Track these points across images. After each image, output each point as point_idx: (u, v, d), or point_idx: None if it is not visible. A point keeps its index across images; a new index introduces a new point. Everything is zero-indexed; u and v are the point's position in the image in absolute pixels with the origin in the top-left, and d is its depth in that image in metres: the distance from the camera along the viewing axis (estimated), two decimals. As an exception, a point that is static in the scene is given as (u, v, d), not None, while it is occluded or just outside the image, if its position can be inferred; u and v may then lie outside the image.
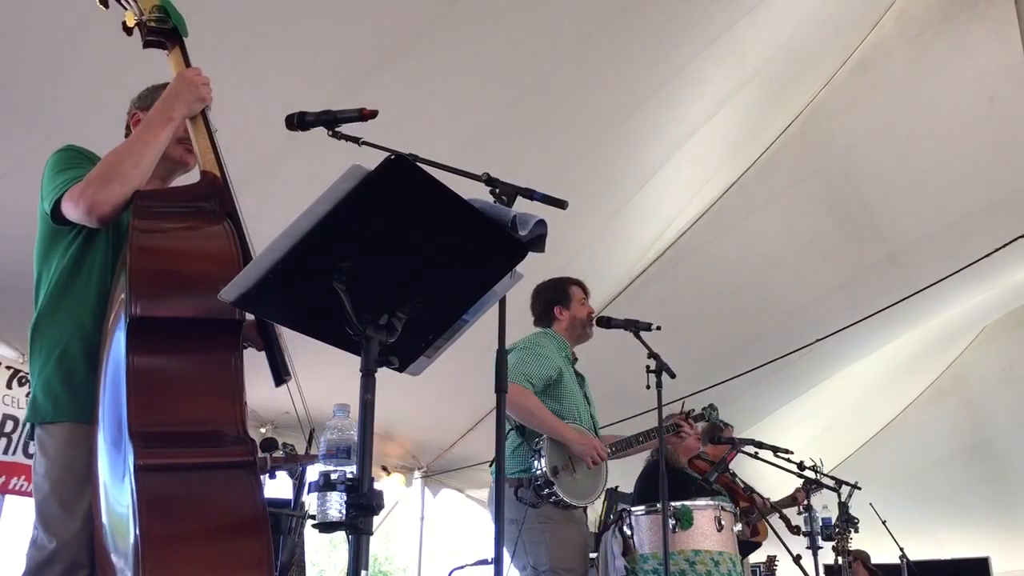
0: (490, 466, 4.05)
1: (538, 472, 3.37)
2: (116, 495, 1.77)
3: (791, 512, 5.30)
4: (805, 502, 5.03)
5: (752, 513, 5.06)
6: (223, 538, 1.70)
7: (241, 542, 1.72)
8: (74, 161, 2.08)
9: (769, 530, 5.27)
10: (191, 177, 2.17)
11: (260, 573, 1.68)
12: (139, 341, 1.78)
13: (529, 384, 3.45)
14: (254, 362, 2.10)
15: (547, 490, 3.37)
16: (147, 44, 2.24)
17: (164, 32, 2.22)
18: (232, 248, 1.92)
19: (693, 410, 4.18)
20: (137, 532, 1.61)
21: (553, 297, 3.85)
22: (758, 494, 5.11)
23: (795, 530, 4.71)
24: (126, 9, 2.22)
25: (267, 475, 4.01)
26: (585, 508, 3.62)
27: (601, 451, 3.49)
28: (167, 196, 2.13)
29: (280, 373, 2.09)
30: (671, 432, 3.95)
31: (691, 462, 4.87)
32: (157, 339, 1.79)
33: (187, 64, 2.21)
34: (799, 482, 5.09)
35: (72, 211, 1.98)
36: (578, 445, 3.45)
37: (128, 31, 2.24)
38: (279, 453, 4.12)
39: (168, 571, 1.61)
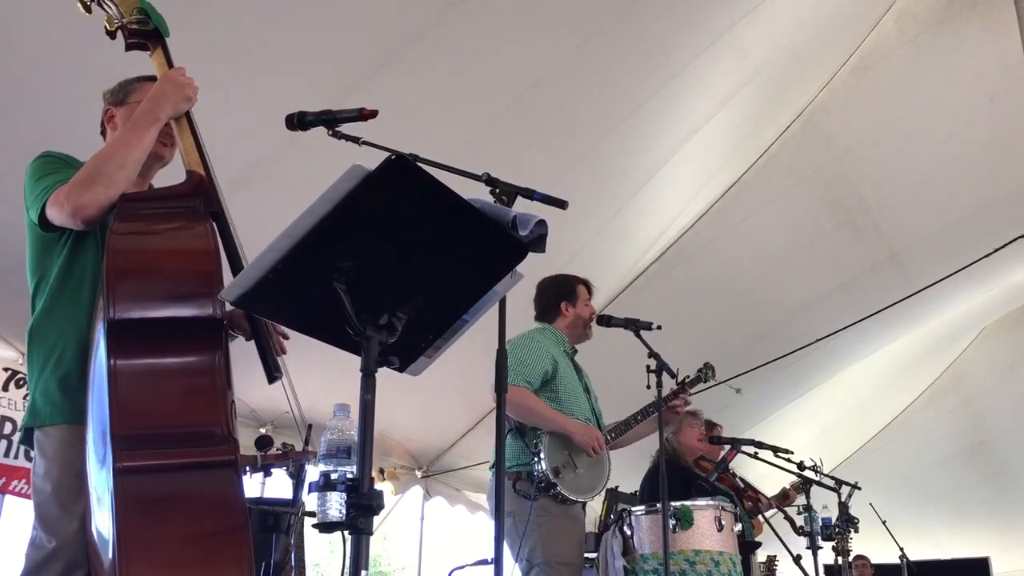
0: (491, 468, 4.05)
1: (540, 473, 3.38)
2: (101, 495, 1.78)
3: (791, 511, 5.30)
4: (797, 498, 5.03)
5: (756, 513, 5.06)
6: (201, 538, 1.70)
7: (220, 542, 1.72)
8: (53, 167, 2.08)
9: (766, 527, 5.27)
10: (177, 176, 2.17)
11: (239, 572, 1.68)
12: (118, 343, 1.78)
13: (527, 383, 3.46)
14: (255, 363, 2.10)
15: (551, 491, 3.38)
16: (129, 46, 2.25)
17: (145, 33, 2.22)
18: (211, 247, 1.91)
19: (688, 376, 4.13)
20: (116, 533, 1.62)
21: (562, 293, 3.84)
22: (762, 494, 5.10)
23: (800, 531, 4.70)
24: (108, 13, 2.22)
25: (262, 473, 4.01)
26: (584, 505, 3.62)
27: (601, 440, 3.52)
28: (150, 197, 2.13)
29: (271, 370, 2.09)
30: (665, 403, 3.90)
31: (696, 463, 4.87)
32: (136, 341, 1.79)
33: (170, 64, 2.21)
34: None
35: (57, 215, 1.98)
36: (579, 436, 3.47)
37: (111, 34, 2.24)
38: (274, 450, 4.11)
39: (145, 572, 1.61)
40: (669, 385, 3.66)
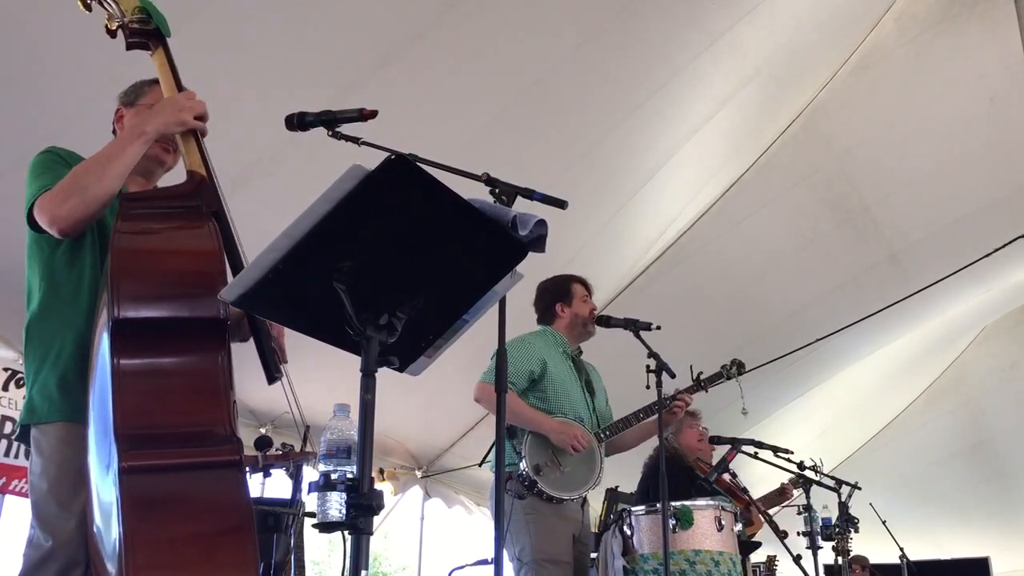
0: (480, 465, 4.06)
1: (522, 471, 3.40)
2: (104, 495, 1.77)
3: (791, 511, 5.29)
4: (794, 495, 5.02)
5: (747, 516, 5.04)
6: (206, 538, 1.70)
7: (225, 542, 1.72)
8: (49, 166, 2.08)
9: (764, 523, 5.26)
10: (178, 176, 2.17)
11: (244, 572, 1.68)
12: (122, 342, 1.78)
13: (510, 384, 3.47)
14: (255, 363, 2.10)
15: (535, 488, 3.39)
16: (130, 46, 2.24)
17: (146, 33, 2.21)
18: (215, 247, 1.91)
19: (701, 373, 4.04)
20: (121, 533, 1.62)
21: (555, 294, 3.86)
22: (756, 503, 5.08)
23: (784, 535, 4.65)
24: (108, 11, 2.21)
25: (262, 473, 4.02)
26: (583, 502, 3.61)
27: (582, 438, 3.48)
28: (152, 197, 2.13)
29: (272, 371, 2.09)
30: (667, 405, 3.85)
31: (694, 463, 4.86)
32: (141, 340, 1.79)
33: (171, 64, 2.21)
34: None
35: (40, 220, 1.99)
36: (556, 435, 3.46)
37: (111, 33, 2.23)
38: (273, 451, 4.12)
39: (150, 572, 1.61)
40: (669, 385, 3.64)
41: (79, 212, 1.95)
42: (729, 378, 4.16)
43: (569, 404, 3.61)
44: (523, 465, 3.40)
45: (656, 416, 3.67)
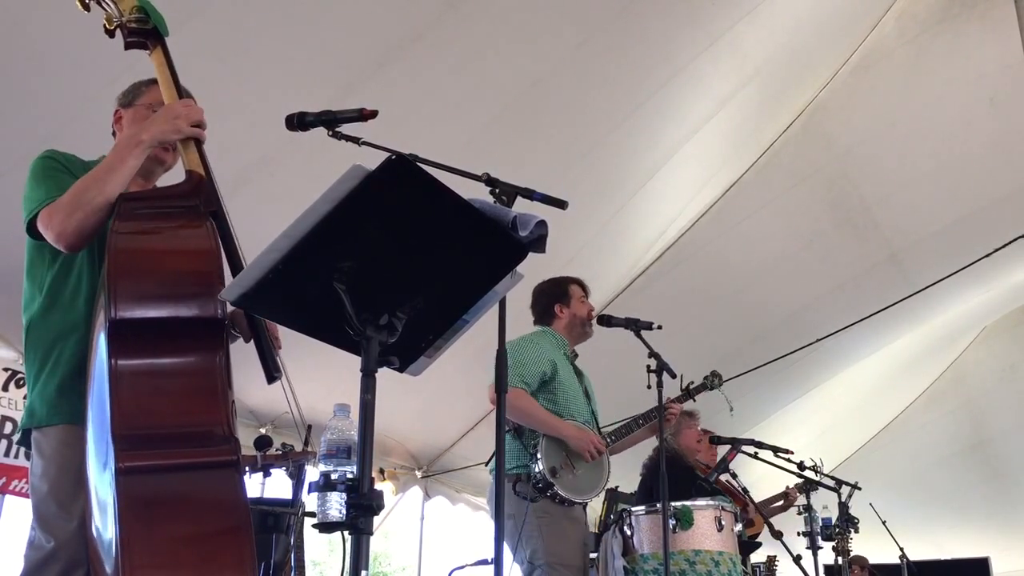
0: (486, 464, 4.04)
1: (537, 473, 3.38)
2: (102, 495, 1.78)
3: (791, 511, 5.30)
4: (798, 498, 5.02)
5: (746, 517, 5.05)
6: (203, 539, 1.70)
7: (222, 542, 1.72)
8: (51, 172, 2.08)
9: (764, 523, 5.27)
10: (177, 175, 2.17)
11: (241, 573, 1.68)
12: (120, 343, 1.78)
13: (524, 385, 3.46)
14: (255, 363, 2.10)
15: (549, 491, 3.38)
16: (128, 45, 2.25)
17: (144, 32, 2.22)
18: (213, 247, 1.92)
19: (692, 383, 4.13)
20: (117, 533, 1.62)
21: (553, 295, 3.85)
22: (755, 504, 5.09)
23: (779, 535, 4.65)
24: (107, 11, 2.22)
25: (262, 472, 4.02)
26: (585, 506, 3.62)
27: (599, 444, 3.49)
28: (150, 197, 2.13)
29: (271, 370, 2.09)
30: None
31: (694, 463, 4.87)
32: (138, 340, 1.79)
33: (169, 63, 2.21)
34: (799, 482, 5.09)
35: (44, 232, 2.00)
36: (575, 440, 3.46)
37: (110, 33, 2.23)
38: (273, 451, 4.12)
39: (147, 572, 1.61)
40: (670, 385, 3.65)
41: (84, 226, 1.97)
42: (712, 388, 4.26)
43: (577, 407, 3.61)
44: (538, 467, 3.38)
45: (654, 421, 3.69)
